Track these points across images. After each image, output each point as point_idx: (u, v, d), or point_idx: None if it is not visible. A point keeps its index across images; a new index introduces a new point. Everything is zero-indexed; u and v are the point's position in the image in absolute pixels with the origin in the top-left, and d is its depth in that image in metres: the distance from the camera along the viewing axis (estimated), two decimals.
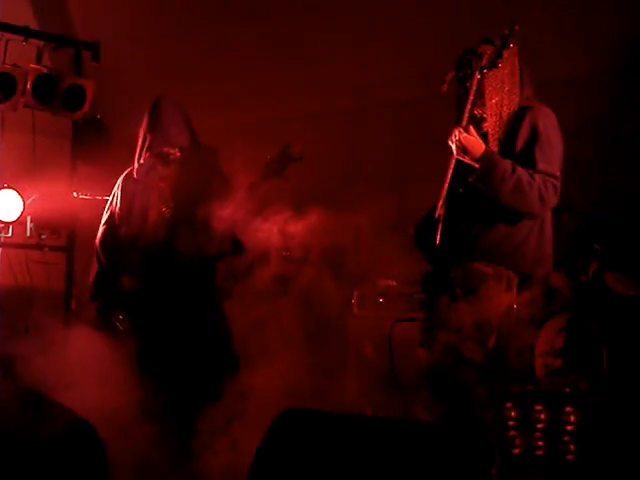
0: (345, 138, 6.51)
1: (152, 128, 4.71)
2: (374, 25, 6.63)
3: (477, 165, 3.97)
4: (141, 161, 4.79)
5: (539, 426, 4.71)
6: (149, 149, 4.72)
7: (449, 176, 4.02)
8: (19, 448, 2.97)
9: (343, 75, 6.73)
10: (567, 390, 4.81)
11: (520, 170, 3.90)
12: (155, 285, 4.68)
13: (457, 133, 3.97)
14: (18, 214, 6.71)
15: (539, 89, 4.23)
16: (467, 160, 3.99)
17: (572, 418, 4.62)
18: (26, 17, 7.52)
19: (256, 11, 7.09)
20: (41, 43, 6.83)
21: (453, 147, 4.00)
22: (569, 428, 4.62)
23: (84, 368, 4.22)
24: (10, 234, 6.82)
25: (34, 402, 3.26)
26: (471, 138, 3.96)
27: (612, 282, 5.26)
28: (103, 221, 4.93)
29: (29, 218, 6.93)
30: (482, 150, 3.95)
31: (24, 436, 3.01)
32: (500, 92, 3.99)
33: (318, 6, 6.79)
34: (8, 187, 6.63)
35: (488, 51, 3.91)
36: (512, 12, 4.66)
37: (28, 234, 7.01)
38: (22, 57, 6.66)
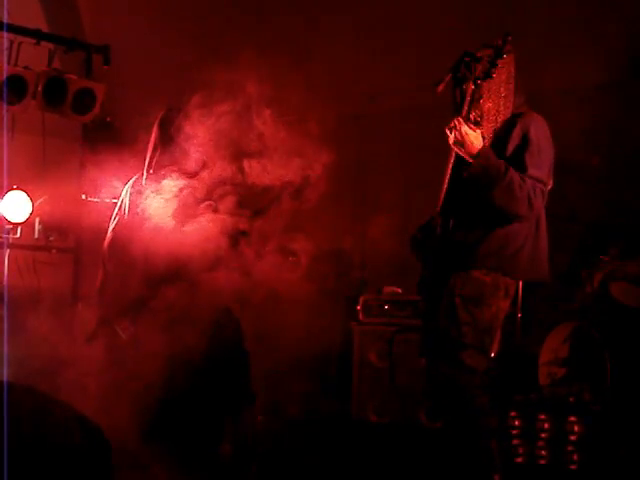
0: (351, 144, 6.54)
1: (164, 141, 4.71)
2: (381, 33, 6.65)
3: (472, 161, 3.97)
4: (150, 171, 4.79)
5: (542, 435, 4.72)
6: (160, 162, 4.71)
7: (447, 176, 4.03)
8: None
9: (349, 82, 6.75)
10: (571, 399, 4.82)
11: (512, 172, 3.92)
12: (161, 294, 4.67)
13: (456, 123, 3.97)
14: (27, 215, 6.73)
15: (546, 99, 4.24)
16: (462, 153, 3.99)
17: (576, 427, 4.63)
18: (38, 20, 7.55)
19: (263, 17, 7.12)
20: (52, 46, 6.89)
21: (451, 136, 4.00)
22: (572, 437, 4.63)
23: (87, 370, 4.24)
24: (18, 235, 6.85)
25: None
26: (471, 133, 3.96)
27: (617, 293, 5.26)
28: (111, 228, 4.91)
29: (37, 220, 6.97)
30: (479, 147, 3.95)
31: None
32: (496, 98, 4.00)
33: (326, 12, 6.81)
34: (17, 188, 6.65)
35: (486, 56, 3.91)
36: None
37: (36, 235, 7.06)
38: (33, 60, 6.71)
